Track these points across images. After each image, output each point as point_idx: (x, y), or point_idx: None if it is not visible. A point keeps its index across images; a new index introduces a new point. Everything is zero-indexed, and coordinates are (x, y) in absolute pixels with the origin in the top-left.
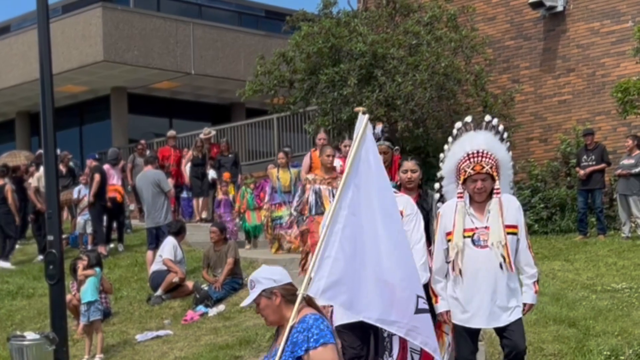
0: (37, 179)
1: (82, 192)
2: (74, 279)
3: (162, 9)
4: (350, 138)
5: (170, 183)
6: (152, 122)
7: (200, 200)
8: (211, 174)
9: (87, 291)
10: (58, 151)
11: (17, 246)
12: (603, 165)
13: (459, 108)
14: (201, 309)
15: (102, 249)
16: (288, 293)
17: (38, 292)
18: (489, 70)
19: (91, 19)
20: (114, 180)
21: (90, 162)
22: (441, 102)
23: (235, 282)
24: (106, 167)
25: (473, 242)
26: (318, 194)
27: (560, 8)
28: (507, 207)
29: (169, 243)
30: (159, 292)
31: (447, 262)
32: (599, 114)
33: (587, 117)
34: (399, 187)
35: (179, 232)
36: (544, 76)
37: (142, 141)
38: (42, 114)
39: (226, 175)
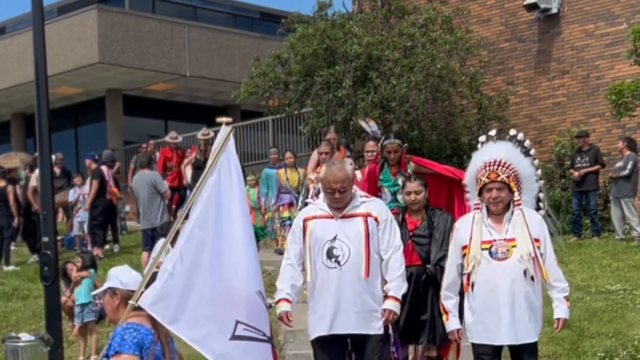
0: (35, 179)
1: (77, 192)
2: (65, 282)
3: (157, 10)
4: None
5: (166, 184)
6: (147, 124)
7: None
8: None
9: (82, 293)
10: (53, 157)
11: (12, 248)
12: (597, 167)
13: (453, 110)
14: None
15: (98, 252)
16: (129, 298)
17: (33, 293)
18: (484, 72)
19: (86, 21)
20: (110, 182)
21: (89, 163)
22: (436, 104)
23: None
24: (104, 168)
25: (491, 254)
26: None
27: (554, 10)
28: (530, 220)
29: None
30: None
31: (463, 276)
32: (593, 116)
33: (582, 119)
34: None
35: None
36: (538, 78)
37: (152, 142)
38: (37, 115)
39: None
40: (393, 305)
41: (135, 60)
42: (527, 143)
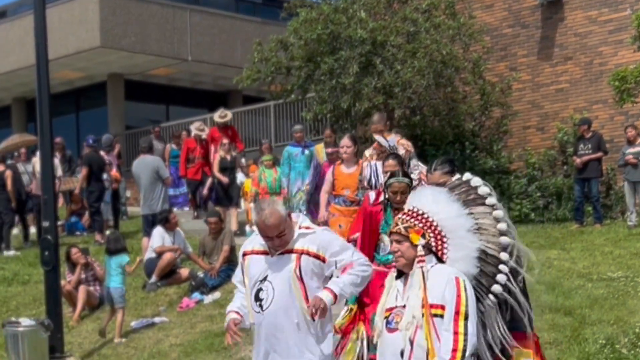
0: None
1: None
2: (68, 267)
3: None
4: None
5: (166, 170)
6: (149, 109)
7: (231, 211)
8: (240, 177)
9: (114, 276)
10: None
11: (14, 231)
12: (600, 154)
13: (456, 96)
14: (197, 296)
15: (98, 237)
16: None
17: (34, 278)
18: (487, 58)
19: (88, 5)
20: (113, 167)
21: (85, 148)
22: (438, 90)
23: (231, 269)
24: (103, 153)
25: (387, 323)
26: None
27: None
28: (434, 281)
29: (156, 233)
30: (153, 278)
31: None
32: (596, 102)
33: (585, 106)
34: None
35: (166, 221)
36: (541, 64)
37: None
38: (38, 99)
39: (253, 167)
40: (325, 295)
41: (136, 45)
42: (482, 190)
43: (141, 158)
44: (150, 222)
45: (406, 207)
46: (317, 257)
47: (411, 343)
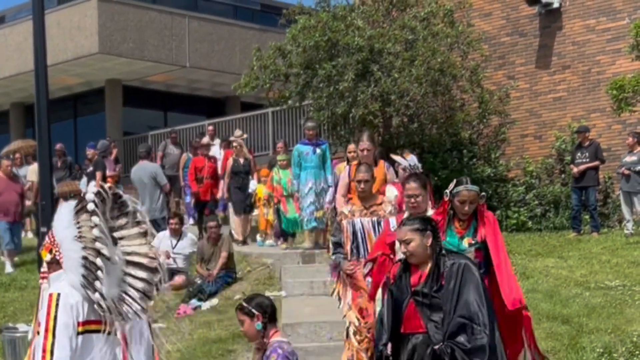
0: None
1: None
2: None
3: (157, 1)
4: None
5: (164, 177)
6: (147, 115)
7: (242, 218)
8: (251, 186)
9: None
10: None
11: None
12: (597, 162)
13: (454, 104)
14: (194, 302)
15: None
16: None
17: (31, 284)
18: (485, 66)
19: (87, 11)
20: (110, 172)
21: (92, 154)
22: (436, 98)
23: (229, 275)
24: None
25: None
26: (360, 231)
27: (556, 5)
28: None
29: (160, 235)
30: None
31: None
32: (594, 111)
33: (582, 115)
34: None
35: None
36: (539, 73)
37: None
38: (37, 105)
39: (264, 171)
40: None
41: (135, 51)
42: (88, 197)
43: (140, 164)
44: None
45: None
46: None
47: None
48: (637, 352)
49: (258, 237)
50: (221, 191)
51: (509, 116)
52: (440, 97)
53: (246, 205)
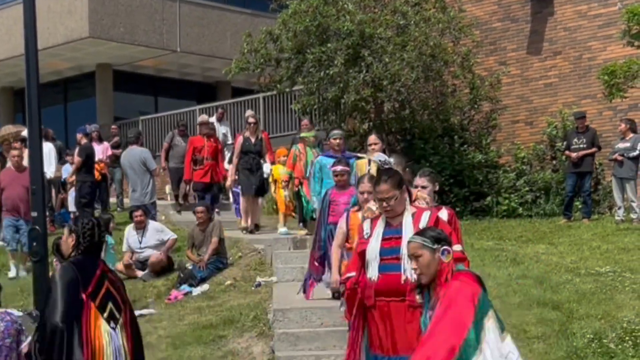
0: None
1: (69, 171)
2: (57, 258)
3: None
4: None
5: (154, 162)
6: (137, 100)
7: (252, 201)
8: (266, 168)
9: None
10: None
11: None
12: (594, 149)
13: (445, 90)
14: (185, 288)
15: None
16: None
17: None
18: (476, 52)
19: None
20: (103, 157)
21: (80, 138)
22: (427, 83)
23: (220, 261)
24: (95, 144)
25: None
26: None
27: None
28: None
29: (127, 235)
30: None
31: None
32: (585, 97)
33: (573, 101)
34: None
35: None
36: (530, 59)
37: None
38: (27, 89)
39: (282, 151)
40: None
41: (125, 35)
42: None
43: (129, 149)
44: None
45: None
46: None
47: None
48: (627, 338)
49: (280, 227)
50: (230, 178)
51: (500, 102)
52: (431, 83)
53: (257, 187)
